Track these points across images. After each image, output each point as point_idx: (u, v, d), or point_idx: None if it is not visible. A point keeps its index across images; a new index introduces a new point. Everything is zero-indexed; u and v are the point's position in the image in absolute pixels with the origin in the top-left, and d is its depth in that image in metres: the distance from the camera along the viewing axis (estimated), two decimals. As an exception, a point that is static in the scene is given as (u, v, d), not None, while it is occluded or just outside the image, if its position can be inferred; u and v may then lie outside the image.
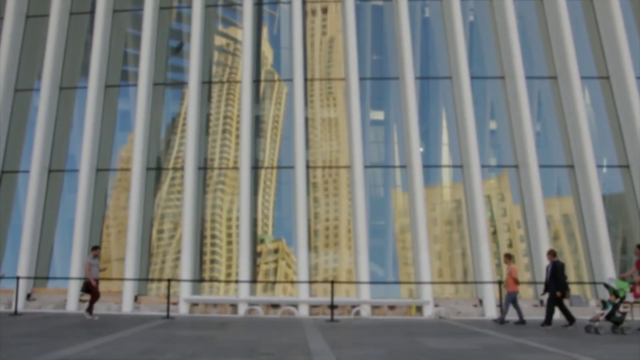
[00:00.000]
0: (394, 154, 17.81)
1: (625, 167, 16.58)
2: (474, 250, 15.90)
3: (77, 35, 18.81)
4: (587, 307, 15.43)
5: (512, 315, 13.49)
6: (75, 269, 15.94)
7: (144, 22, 17.70)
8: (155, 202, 17.49)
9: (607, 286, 11.40)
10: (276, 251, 17.00)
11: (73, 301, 15.84)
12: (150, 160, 17.49)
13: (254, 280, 16.38)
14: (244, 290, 15.63)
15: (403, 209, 17.14)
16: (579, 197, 16.38)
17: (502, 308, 13.38)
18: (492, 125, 18.02)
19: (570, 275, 16.34)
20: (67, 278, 16.02)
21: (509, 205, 17.14)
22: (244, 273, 15.67)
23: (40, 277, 16.71)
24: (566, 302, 12.44)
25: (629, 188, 16.53)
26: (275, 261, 16.90)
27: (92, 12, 18.54)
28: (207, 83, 18.22)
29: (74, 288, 15.87)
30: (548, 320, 12.37)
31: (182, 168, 17.24)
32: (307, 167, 17.05)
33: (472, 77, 17.00)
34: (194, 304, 15.79)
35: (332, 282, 14.44)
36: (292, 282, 16.40)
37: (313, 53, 18.46)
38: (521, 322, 13.00)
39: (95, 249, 13.56)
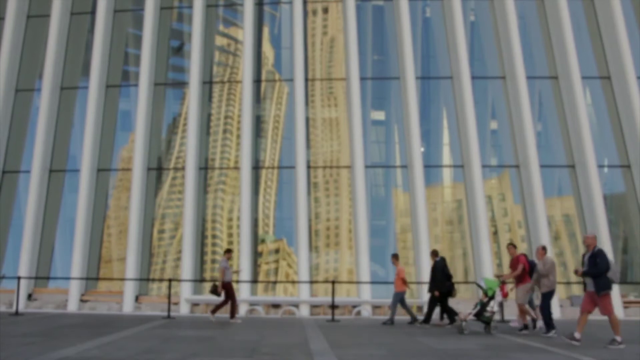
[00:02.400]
0: (395, 154, 17.80)
1: (626, 167, 16.56)
2: (475, 250, 15.89)
3: (78, 35, 18.82)
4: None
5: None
6: (76, 269, 15.95)
7: (145, 22, 17.71)
8: (156, 202, 17.49)
9: (478, 285, 11.34)
10: (277, 251, 17.00)
11: (74, 301, 15.85)
12: (151, 160, 17.49)
13: (254, 280, 16.38)
14: (244, 290, 15.64)
15: (404, 209, 17.14)
16: (580, 197, 16.37)
17: (393, 310, 13.02)
18: (493, 125, 18.01)
19: (572, 275, 16.35)
20: (68, 278, 16.03)
21: (509, 205, 17.13)
22: (245, 273, 15.67)
23: (41, 277, 16.72)
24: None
25: (630, 188, 16.52)
26: (276, 261, 16.90)
27: (92, 12, 18.55)
28: (207, 83, 18.22)
29: (74, 288, 15.88)
30: (427, 318, 12.45)
31: (183, 168, 17.24)
32: (308, 167, 17.05)
33: (473, 77, 17.00)
34: (194, 304, 15.80)
35: (333, 282, 14.44)
36: (293, 282, 16.40)
37: (314, 53, 18.46)
38: (413, 321, 12.74)
39: (228, 252, 13.36)
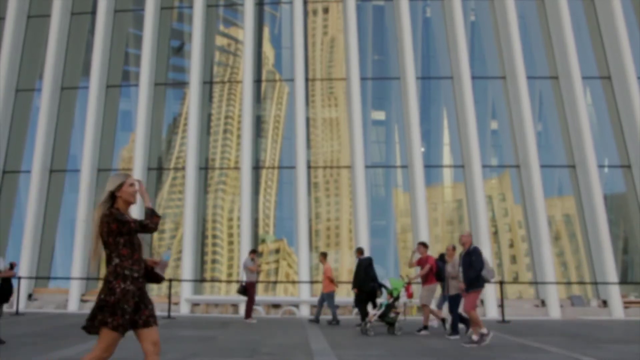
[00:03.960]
0: (395, 154, 17.80)
1: (627, 167, 16.56)
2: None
3: (78, 35, 18.82)
4: (588, 307, 15.43)
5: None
6: (77, 269, 15.95)
7: (145, 22, 17.71)
8: (157, 202, 17.49)
9: (383, 286, 11.20)
10: (277, 251, 17.00)
11: (74, 301, 15.86)
12: (151, 160, 17.50)
13: (254, 281, 16.36)
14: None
15: (404, 209, 17.14)
16: (580, 197, 16.37)
17: (331, 310, 12.79)
18: (494, 125, 18.01)
19: (572, 275, 16.36)
20: (68, 278, 16.03)
21: (510, 205, 17.13)
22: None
23: (42, 277, 16.72)
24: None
25: (630, 188, 16.52)
26: (277, 261, 16.91)
27: (93, 12, 18.55)
28: (208, 83, 18.23)
29: (75, 288, 15.88)
30: (362, 318, 12.22)
31: (183, 168, 17.25)
32: (309, 167, 17.06)
33: (474, 77, 16.99)
34: (195, 304, 15.81)
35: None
36: (293, 282, 16.40)
37: (314, 53, 18.46)
38: (334, 322, 12.57)
39: (253, 252, 13.26)
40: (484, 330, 8.81)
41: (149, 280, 4.00)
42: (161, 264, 4.06)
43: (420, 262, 11.09)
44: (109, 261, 3.78)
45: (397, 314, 10.64)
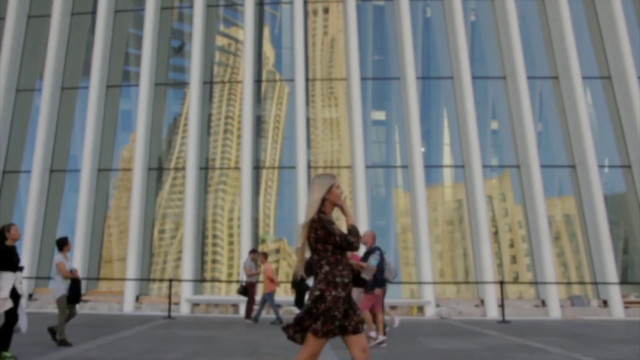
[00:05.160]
0: (396, 154, 17.80)
1: (627, 167, 16.56)
2: (476, 251, 15.88)
3: (78, 35, 18.83)
4: (588, 307, 15.43)
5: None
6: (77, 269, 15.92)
7: (146, 22, 17.71)
8: (157, 202, 17.50)
9: (307, 287, 11.22)
10: (278, 251, 17.00)
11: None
12: (151, 160, 17.50)
13: (255, 281, 16.35)
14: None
15: (404, 209, 17.14)
16: (580, 197, 16.36)
17: (274, 310, 12.92)
18: (494, 125, 18.01)
19: (572, 275, 16.37)
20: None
21: (510, 205, 17.13)
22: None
23: (42, 277, 16.72)
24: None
25: (630, 188, 16.51)
26: (277, 261, 16.90)
27: (93, 13, 18.55)
28: (208, 83, 18.23)
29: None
30: (277, 317, 12.60)
31: (183, 168, 17.24)
32: (309, 167, 17.05)
33: (474, 77, 16.98)
34: (195, 304, 15.80)
35: (334, 282, 14.42)
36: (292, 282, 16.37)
37: (314, 53, 18.46)
38: (277, 321, 12.66)
39: (253, 252, 13.29)
40: (372, 334, 8.80)
41: (354, 285, 3.92)
42: (368, 269, 3.97)
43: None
44: (319, 267, 3.73)
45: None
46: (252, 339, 9.47)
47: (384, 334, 9.40)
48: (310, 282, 11.01)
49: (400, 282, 16.42)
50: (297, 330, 3.67)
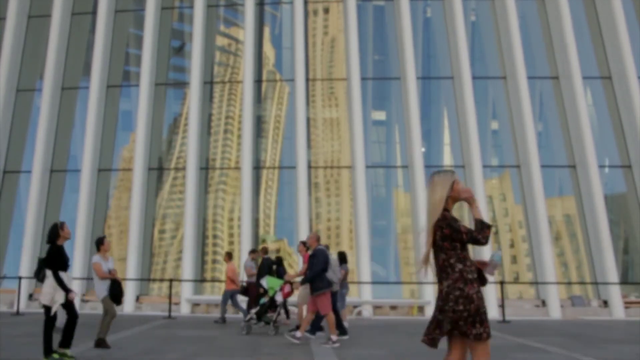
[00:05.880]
0: (396, 154, 17.80)
1: (627, 167, 16.55)
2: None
3: (79, 35, 18.83)
4: (589, 307, 15.42)
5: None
6: (77, 269, 15.94)
7: (146, 22, 17.71)
8: (157, 202, 17.50)
9: (260, 285, 11.17)
10: (278, 251, 16.99)
11: (75, 301, 15.81)
12: (152, 160, 17.50)
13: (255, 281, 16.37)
14: (245, 290, 15.62)
15: (405, 209, 17.14)
16: (580, 197, 16.36)
17: (221, 308, 12.92)
18: (494, 125, 18.01)
19: (572, 275, 16.37)
20: (69, 278, 16.01)
21: (510, 206, 17.13)
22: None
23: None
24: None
25: (630, 188, 16.51)
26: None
27: (94, 13, 18.55)
28: (208, 83, 18.23)
29: (75, 288, 15.81)
30: (222, 318, 12.66)
31: (183, 168, 17.24)
32: (309, 167, 17.05)
33: (474, 77, 16.98)
34: (195, 304, 15.80)
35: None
36: (292, 282, 16.36)
37: (315, 53, 18.46)
38: (222, 321, 12.66)
39: (253, 252, 13.24)
40: (334, 337, 8.77)
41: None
42: (491, 265, 3.80)
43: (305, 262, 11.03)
44: (449, 266, 3.66)
45: (274, 314, 10.58)
46: (252, 339, 9.48)
47: (310, 333, 9.20)
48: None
49: (401, 282, 16.43)
50: (435, 336, 3.58)
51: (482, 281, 3.78)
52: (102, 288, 8.37)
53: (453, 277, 3.61)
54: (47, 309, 6.94)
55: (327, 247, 9.92)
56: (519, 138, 16.66)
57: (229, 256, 13.14)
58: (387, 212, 17.53)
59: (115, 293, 8.30)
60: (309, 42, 18.33)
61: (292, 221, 16.79)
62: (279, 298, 10.54)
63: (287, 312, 12.33)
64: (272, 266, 12.11)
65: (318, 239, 9.26)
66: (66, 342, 6.99)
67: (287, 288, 10.60)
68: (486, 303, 3.66)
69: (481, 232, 3.62)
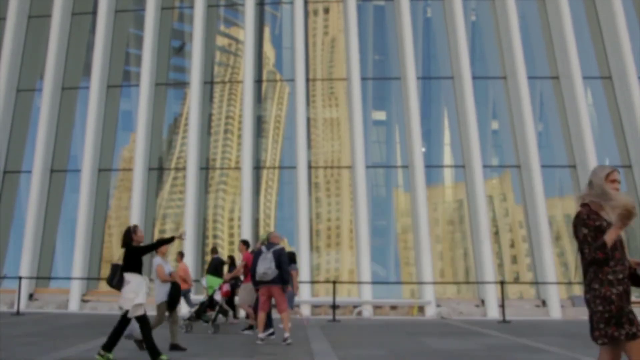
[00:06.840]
0: (396, 154, 17.80)
1: (628, 167, 16.54)
2: (476, 251, 15.87)
3: (79, 35, 18.83)
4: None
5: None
6: (77, 269, 15.95)
7: (146, 22, 17.71)
8: (157, 202, 17.50)
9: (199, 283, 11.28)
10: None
11: (75, 301, 15.84)
12: (152, 160, 17.50)
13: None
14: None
15: (405, 209, 17.14)
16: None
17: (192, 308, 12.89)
18: (494, 125, 18.00)
19: (573, 275, 16.34)
20: (69, 278, 16.02)
21: (511, 206, 17.12)
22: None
23: (43, 277, 16.72)
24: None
25: (631, 188, 16.50)
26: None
27: (94, 13, 18.54)
28: (209, 83, 18.23)
29: (76, 288, 15.87)
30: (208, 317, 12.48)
31: (184, 168, 17.24)
32: (309, 167, 17.05)
33: (474, 77, 16.96)
34: (196, 304, 15.77)
35: (334, 282, 14.44)
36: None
37: (315, 53, 18.46)
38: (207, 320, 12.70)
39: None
40: (261, 335, 8.83)
41: (632, 283, 3.59)
42: None
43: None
44: (587, 264, 3.53)
45: (213, 312, 10.63)
46: (252, 339, 9.47)
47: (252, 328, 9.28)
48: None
49: (401, 282, 16.43)
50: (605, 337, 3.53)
51: (635, 281, 3.61)
52: (162, 292, 8.27)
53: (589, 277, 3.52)
54: (125, 313, 6.88)
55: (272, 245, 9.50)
56: (519, 138, 16.66)
57: (181, 256, 13.09)
58: (387, 212, 17.52)
59: (174, 297, 8.29)
60: (309, 42, 18.32)
61: (293, 221, 16.78)
62: (217, 297, 10.65)
63: (234, 310, 12.34)
64: (220, 265, 12.21)
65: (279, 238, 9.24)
66: (110, 346, 6.88)
67: (225, 287, 10.74)
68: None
69: (593, 249, 3.45)
